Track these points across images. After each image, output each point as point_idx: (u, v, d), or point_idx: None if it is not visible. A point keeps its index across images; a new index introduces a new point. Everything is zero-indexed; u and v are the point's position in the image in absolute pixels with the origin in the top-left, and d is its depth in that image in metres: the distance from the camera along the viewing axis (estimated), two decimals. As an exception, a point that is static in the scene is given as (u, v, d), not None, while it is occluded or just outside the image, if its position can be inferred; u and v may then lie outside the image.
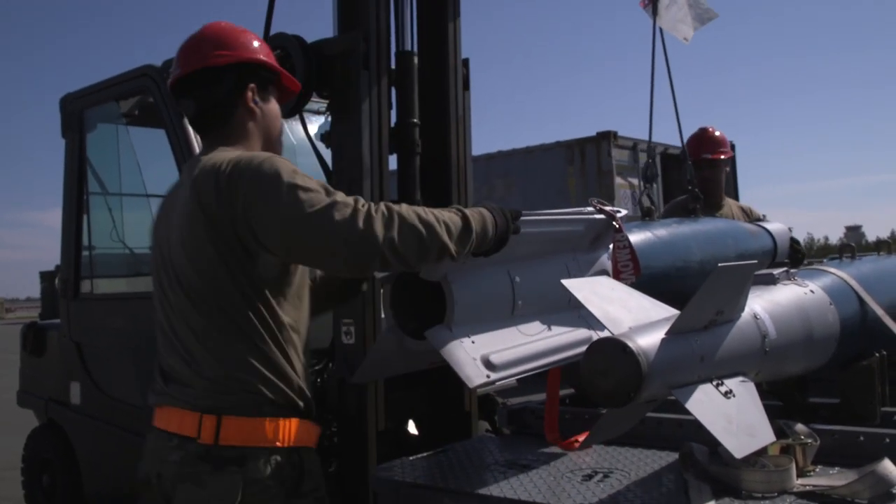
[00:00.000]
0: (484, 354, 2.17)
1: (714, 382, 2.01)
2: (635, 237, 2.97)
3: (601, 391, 1.90)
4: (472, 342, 2.18)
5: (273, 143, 2.48)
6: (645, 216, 3.56)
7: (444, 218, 2.11)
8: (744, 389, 2.06)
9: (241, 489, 2.10)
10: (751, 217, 5.08)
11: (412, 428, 3.87)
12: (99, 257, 5.41)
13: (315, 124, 4.40)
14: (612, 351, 1.88)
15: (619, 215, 2.81)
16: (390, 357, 2.41)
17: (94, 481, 5.29)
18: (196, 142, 4.46)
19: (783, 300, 2.42)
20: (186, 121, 4.48)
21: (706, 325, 2.03)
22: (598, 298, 2.11)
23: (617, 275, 2.71)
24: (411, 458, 2.78)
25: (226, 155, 2.23)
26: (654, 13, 3.94)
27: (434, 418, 3.90)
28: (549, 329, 2.46)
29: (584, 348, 2.45)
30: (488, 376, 2.12)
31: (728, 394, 2.00)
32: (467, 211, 2.18)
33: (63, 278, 5.45)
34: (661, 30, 4.01)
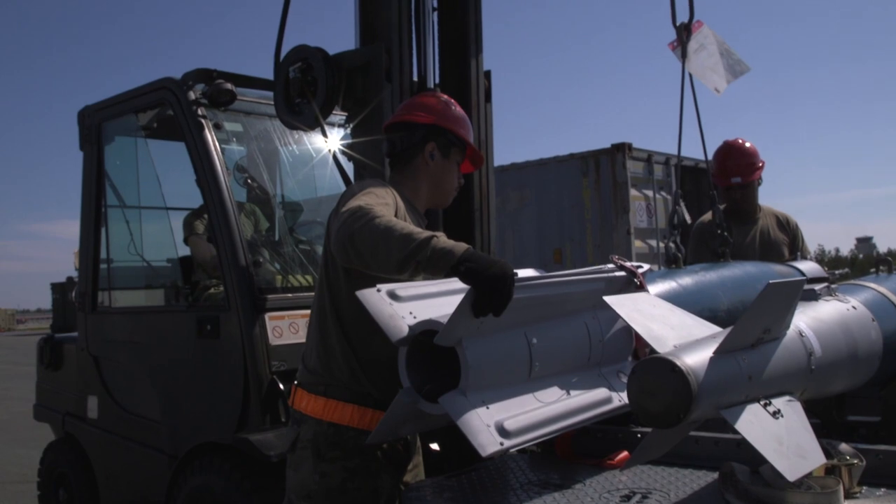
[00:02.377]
0: (498, 421, 2.13)
1: (762, 402, 1.96)
2: (659, 288, 2.90)
3: (649, 412, 1.85)
4: (487, 408, 2.15)
5: (439, 191, 3.05)
6: (671, 263, 3.46)
7: (411, 229, 2.35)
8: (791, 409, 2.00)
9: (293, 441, 2.83)
10: (788, 227, 4.89)
11: (434, 445, 3.82)
12: (117, 270, 5.38)
13: (335, 137, 4.39)
14: (661, 370, 1.82)
15: (640, 271, 2.78)
16: (406, 419, 2.38)
17: (111, 496, 5.25)
18: (217, 155, 4.44)
19: (826, 317, 2.36)
20: (207, 133, 4.48)
21: (753, 343, 1.98)
22: (641, 316, 2.06)
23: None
24: (440, 478, 2.73)
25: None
26: (683, 56, 3.85)
27: (456, 435, 3.85)
28: (567, 391, 2.42)
29: (603, 408, 2.47)
30: (502, 444, 2.08)
31: (776, 414, 1.94)
32: (442, 238, 2.33)
33: (81, 291, 5.42)
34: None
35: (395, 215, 2.64)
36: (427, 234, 2.31)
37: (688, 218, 3.91)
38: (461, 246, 2.26)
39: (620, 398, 2.55)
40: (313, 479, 2.74)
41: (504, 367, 2.26)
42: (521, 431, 2.16)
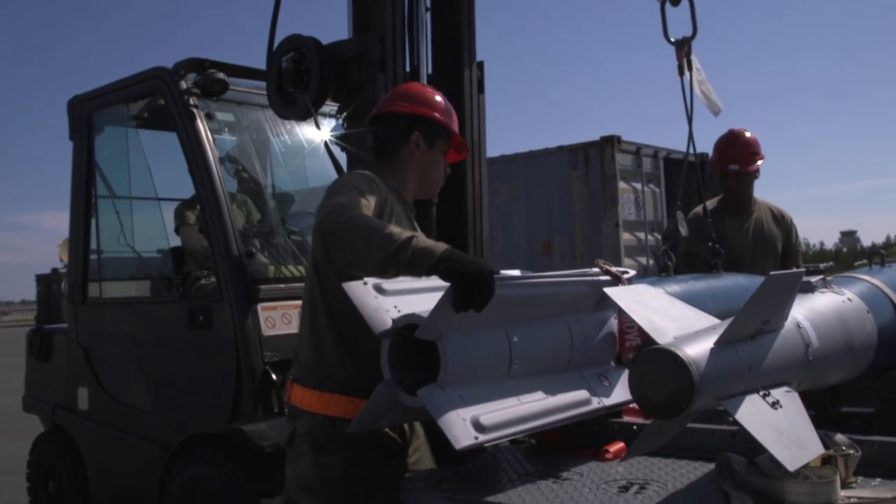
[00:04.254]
0: (475, 415, 2.16)
1: (761, 393, 1.97)
2: None
3: (651, 402, 1.86)
4: (464, 402, 2.18)
5: (426, 181, 3.05)
6: (662, 272, 3.47)
7: (391, 230, 2.35)
8: (789, 400, 2.02)
9: (290, 435, 2.82)
10: (783, 222, 4.90)
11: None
12: (108, 261, 5.36)
13: (327, 127, 4.37)
14: (663, 361, 1.84)
15: (625, 276, 2.80)
16: (385, 410, 2.40)
17: (101, 487, 5.24)
18: (209, 145, 4.41)
19: (823, 308, 2.38)
20: (199, 123, 4.45)
21: (753, 334, 1.99)
22: (642, 307, 2.07)
23: (622, 335, 2.74)
24: (437, 469, 2.74)
25: None
26: (689, 69, 3.84)
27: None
28: (547, 390, 2.45)
29: (582, 409, 2.50)
30: (476, 438, 2.12)
31: (775, 404, 1.96)
32: (422, 238, 2.36)
33: (71, 282, 5.39)
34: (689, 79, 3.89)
35: (383, 208, 2.69)
36: (407, 234, 2.33)
37: (683, 231, 3.94)
38: (440, 246, 2.29)
39: (600, 401, 2.59)
40: (312, 471, 2.75)
41: (483, 364, 2.29)
42: (496, 427, 2.19)
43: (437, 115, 2.99)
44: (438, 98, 3.05)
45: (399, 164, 2.97)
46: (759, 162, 4.79)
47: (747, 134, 4.84)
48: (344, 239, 2.38)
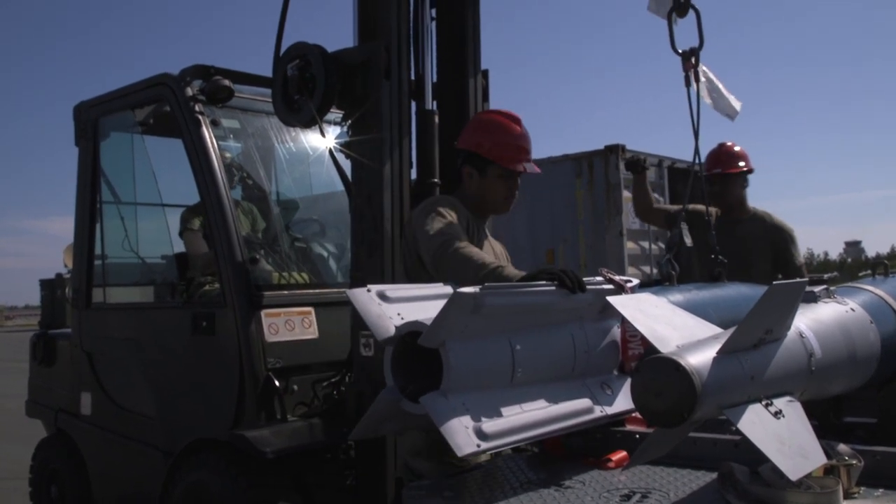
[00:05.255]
0: (477, 423, 2.17)
1: (763, 402, 1.97)
2: None
3: (654, 411, 1.86)
4: (467, 410, 2.19)
5: (486, 203, 3.59)
6: (665, 280, 3.48)
7: (484, 259, 3.03)
8: (792, 409, 2.02)
9: None
10: (776, 235, 4.95)
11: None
12: (112, 267, 5.36)
13: (331, 135, 4.39)
14: (665, 370, 1.84)
15: (629, 285, 2.82)
16: (388, 417, 2.41)
17: (103, 492, 5.24)
18: (214, 152, 4.42)
19: (826, 318, 2.38)
20: (204, 129, 4.46)
21: (755, 343, 1.99)
22: (645, 316, 2.07)
23: (625, 344, 2.75)
24: (439, 476, 2.73)
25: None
26: (697, 80, 3.85)
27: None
28: (549, 399, 2.45)
29: (584, 418, 2.51)
30: (479, 446, 2.13)
31: (778, 414, 1.96)
32: (508, 267, 3.02)
33: (75, 287, 5.41)
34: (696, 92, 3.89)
35: (468, 227, 3.33)
36: (495, 264, 2.96)
37: (688, 241, 3.98)
38: (520, 274, 2.82)
39: (602, 410, 2.59)
40: (420, 436, 3.18)
41: (486, 371, 2.29)
42: (499, 435, 2.20)
43: (476, 149, 3.48)
44: (495, 125, 3.52)
45: (464, 189, 3.55)
46: (743, 165, 5.04)
47: (735, 147, 5.12)
48: (448, 264, 3.04)
